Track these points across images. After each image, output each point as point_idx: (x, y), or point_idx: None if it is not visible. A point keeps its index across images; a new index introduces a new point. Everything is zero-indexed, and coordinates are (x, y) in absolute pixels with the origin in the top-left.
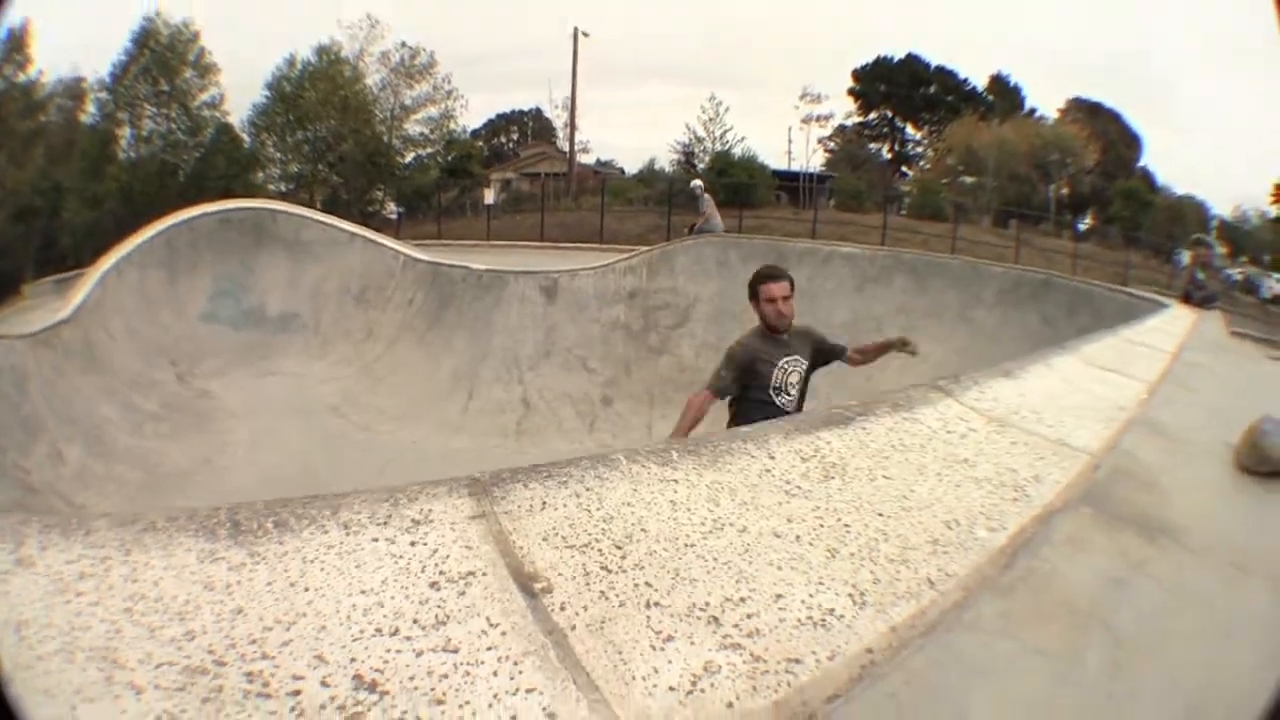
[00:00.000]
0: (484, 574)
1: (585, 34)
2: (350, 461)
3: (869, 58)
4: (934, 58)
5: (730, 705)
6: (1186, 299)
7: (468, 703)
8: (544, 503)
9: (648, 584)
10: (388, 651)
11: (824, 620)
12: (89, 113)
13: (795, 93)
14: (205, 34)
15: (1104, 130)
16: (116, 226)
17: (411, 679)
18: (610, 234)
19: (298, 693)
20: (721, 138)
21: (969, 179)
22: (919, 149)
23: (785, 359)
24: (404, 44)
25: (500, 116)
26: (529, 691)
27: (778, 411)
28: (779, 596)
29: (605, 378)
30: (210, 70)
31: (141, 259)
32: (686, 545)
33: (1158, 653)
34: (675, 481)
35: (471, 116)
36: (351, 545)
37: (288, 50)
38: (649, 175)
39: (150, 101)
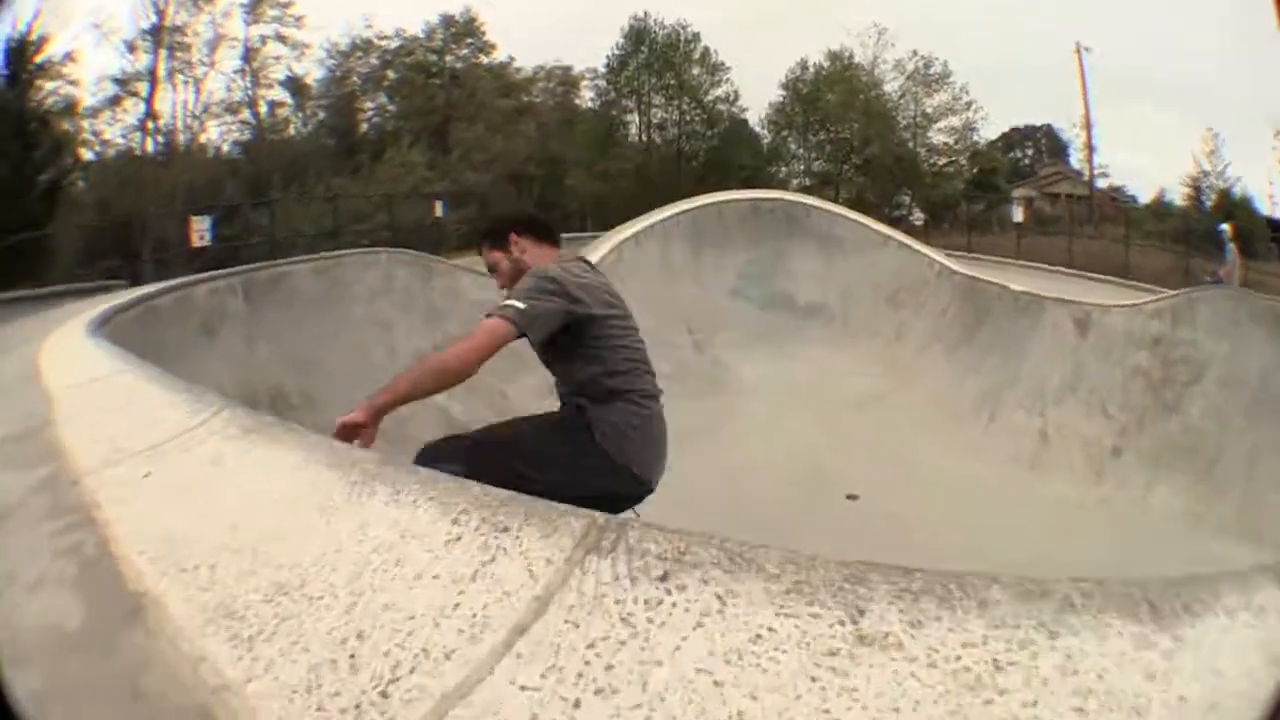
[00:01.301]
0: None
1: (1088, 49)
2: (864, 459)
3: None
4: None
5: None
6: None
7: None
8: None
9: None
10: None
11: None
12: (586, 97)
13: (1270, 126)
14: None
15: None
16: (627, 201)
17: None
18: (1133, 270)
19: None
20: (1222, 173)
21: None
22: None
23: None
24: (916, 53)
25: (1015, 130)
26: None
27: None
28: None
29: (1119, 426)
30: (719, 69)
31: (665, 232)
32: None
33: None
34: None
35: (990, 129)
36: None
37: (797, 55)
38: (1161, 210)
39: (658, 93)
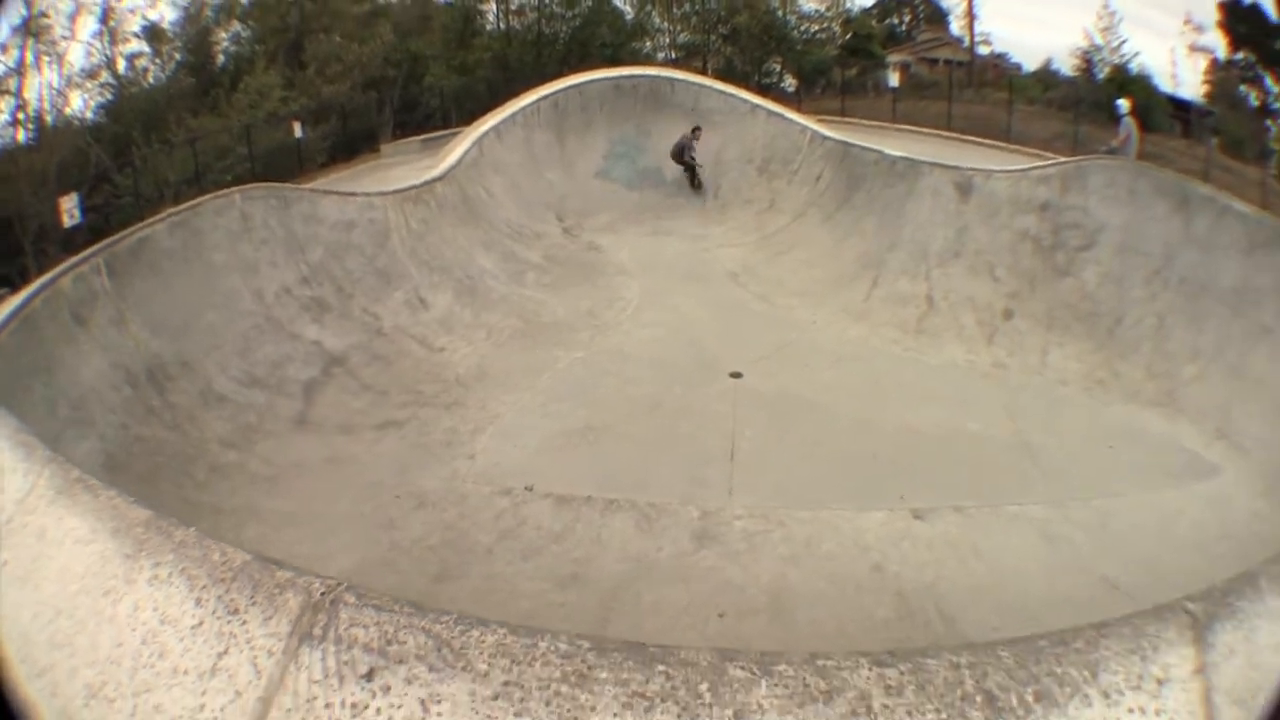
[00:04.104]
0: None
1: None
2: (745, 333)
3: None
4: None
5: None
6: None
7: None
8: (1231, 650)
9: None
10: None
11: None
12: None
13: (1180, 15)
14: None
15: None
16: (489, 90)
17: None
18: (1016, 134)
19: None
20: (1117, 49)
21: None
22: (1278, 104)
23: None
24: None
25: None
26: None
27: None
28: None
29: (1010, 289)
30: None
31: (526, 120)
32: None
33: None
34: None
35: None
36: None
37: None
38: (1048, 77)
39: None
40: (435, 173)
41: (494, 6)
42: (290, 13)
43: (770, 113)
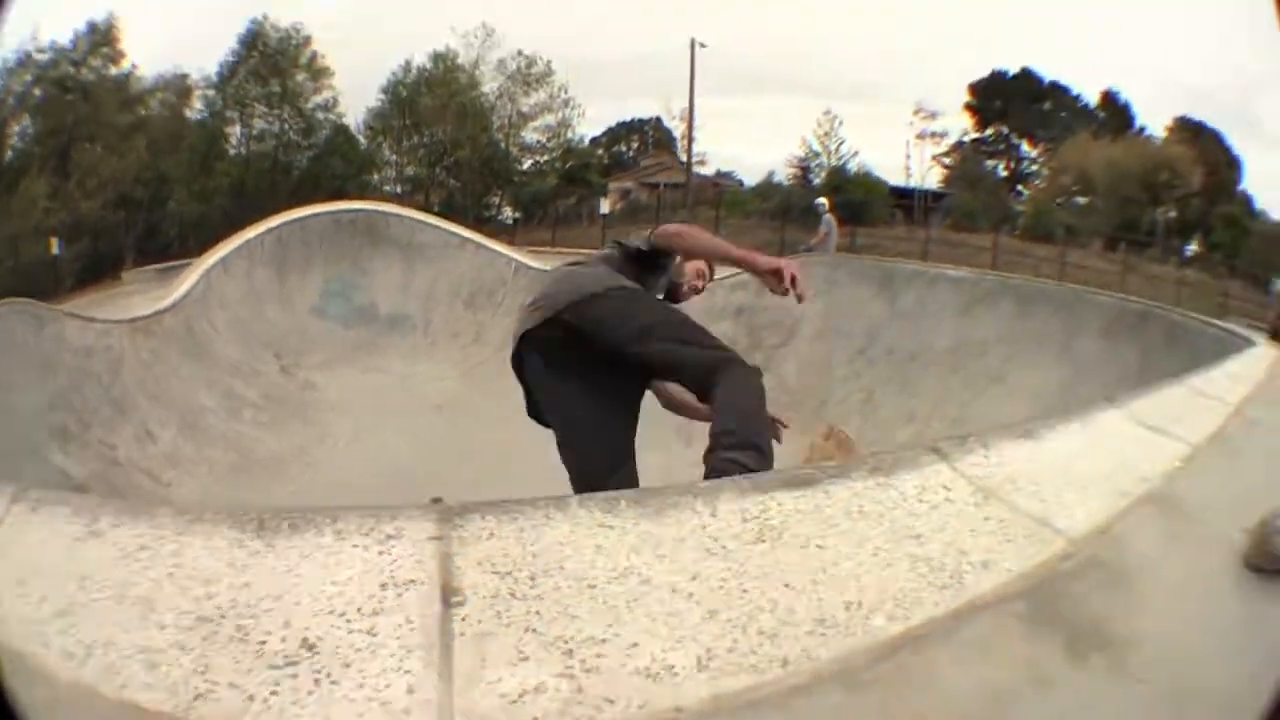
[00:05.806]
0: (421, 584)
1: (703, 45)
2: (447, 463)
3: (984, 71)
4: (1046, 74)
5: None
6: (1276, 335)
7: (364, 670)
8: (491, 533)
9: (537, 613)
10: (332, 627)
11: (657, 674)
12: (196, 109)
13: (910, 106)
14: (316, 40)
15: (1208, 152)
16: (225, 220)
17: (337, 648)
18: None
19: (263, 642)
20: (837, 151)
21: (1081, 199)
22: (1034, 166)
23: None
24: (520, 53)
25: (621, 125)
26: (406, 672)
27: None
28: (634, 645)
29: None
30: (323, 74)
31: (250, 254)
32: (589, 586)
33: None
34: (610, 528)
35: (590, 124)
36: (337, 548)
37: (403, 57)
38: (767, 189)
39: (261, 101)
40: (164, 304)
41: (239, 129)
42: (68, 114)
43: (479, 246)
